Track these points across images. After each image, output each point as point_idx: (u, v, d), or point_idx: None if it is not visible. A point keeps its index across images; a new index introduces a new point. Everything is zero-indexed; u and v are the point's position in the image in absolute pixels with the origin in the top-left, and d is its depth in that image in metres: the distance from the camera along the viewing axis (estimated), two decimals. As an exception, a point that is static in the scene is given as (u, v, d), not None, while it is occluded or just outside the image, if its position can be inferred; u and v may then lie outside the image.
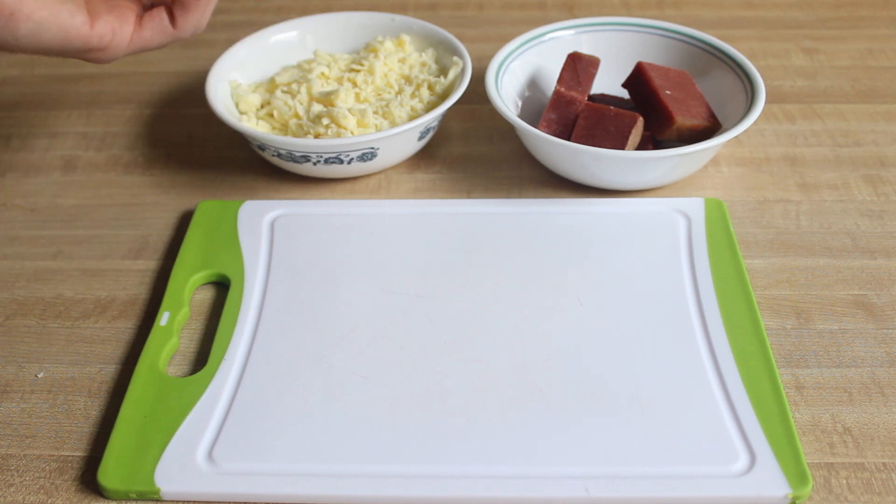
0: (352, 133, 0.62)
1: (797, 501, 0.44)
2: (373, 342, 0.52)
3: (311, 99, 0.65)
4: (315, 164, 0.62)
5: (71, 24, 0.48)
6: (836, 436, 0.48)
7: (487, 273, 0.56)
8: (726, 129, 0.61)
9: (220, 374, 0.51)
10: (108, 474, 0.46)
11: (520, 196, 0.64)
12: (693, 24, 0.78)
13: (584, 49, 0.70)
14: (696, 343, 0.51)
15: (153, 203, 0.64)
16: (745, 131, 0.65)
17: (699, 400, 0.48)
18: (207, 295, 0.57)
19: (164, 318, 0.54)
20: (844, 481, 0.46)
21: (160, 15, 0.53)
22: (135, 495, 0.45)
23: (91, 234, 0.62)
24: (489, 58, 0.67)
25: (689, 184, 0.64)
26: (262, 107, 0.67)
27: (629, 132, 0.60)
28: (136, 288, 0.58)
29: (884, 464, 0.46)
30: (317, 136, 0.62)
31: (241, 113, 0.66)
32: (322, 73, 0.67)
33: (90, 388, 0.52)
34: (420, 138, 0.64)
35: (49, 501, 0.46)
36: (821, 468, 0.46)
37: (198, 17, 0.53)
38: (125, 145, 0.70)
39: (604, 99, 0.67)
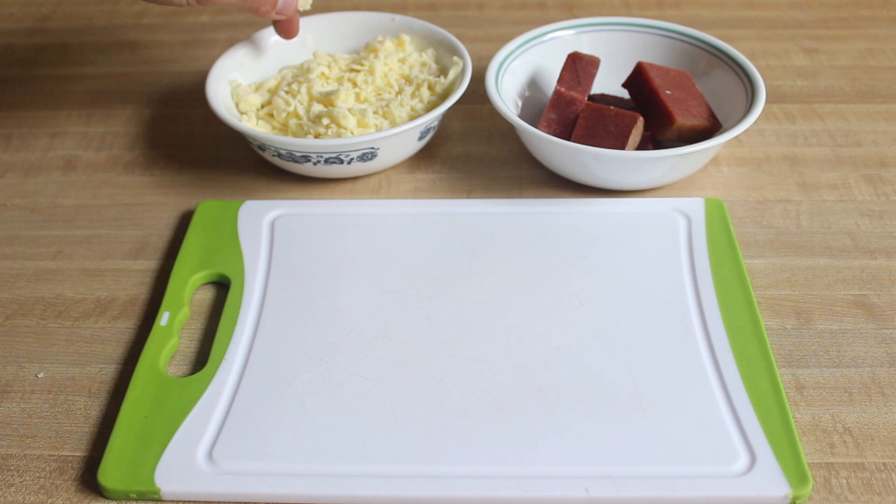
0: (352, 133, 0.62)
1: (797, 501, 0.44)
2: (373, 342, 0.52)
3: (311, 99, 0.65)
4: (315, 164, 0.62)
5: None
6: (836, 436, 0.48)
7: (487, 273, 0.56)
8: (726, 129, 0.61)
9: (220, 374, 0.51)
10: (108, 474, 0.46)
11: (520, 196, 0.64)
12: (693, 24, 0.78)
13: (584, 49, 0.70)
14: (696, 343, 0.51)
15: (153, 203, 0.64)
16: (745, 131, 0.65)
17: (699, 400, 0.48)
18: (207, 295, 0.57)
19: (164, 318, 0.54)
20: (844, 481, 0.46)
21: None
22: (135, 495, 0.45)
23: (91, 234, 0.62)
24: (489, 58, 0.67)
25: (689, 184, 0.64)
26: (262, 107, 0.67)
27: (629, 132, 0.60)
28: (136, 288, 0.58)
29: (884, 464, 0.46)
30: (317, 136, 0.62)
31: (241, 113, 0.66)
32: (322, 73, 0.67)
33: (90, 388, 0.52)
34: (420, 138, 0.64)
35: (49, 501, 0.46)
36: (821, 468, 0.46)
37: None
38: (125, 145, 0.70)
39: (604, 99, 0.67)
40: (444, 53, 0.69)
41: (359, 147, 0.61)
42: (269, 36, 0.71)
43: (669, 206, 0.61)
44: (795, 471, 0.45)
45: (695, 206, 0.60)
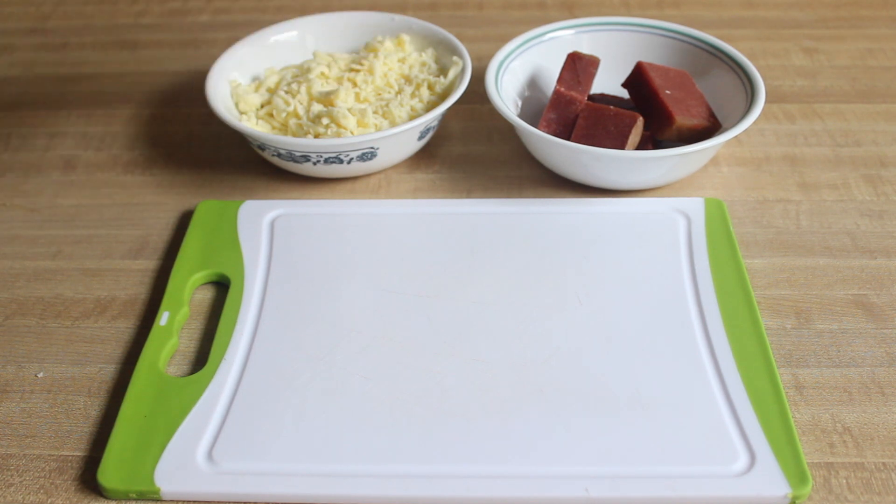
0: (352, 133, 0.62)
1: (797, 501, 0.44)
2: (373, 342, 0.52)
3: (311, 99, 0.65)
4: (315, 164, 0.62)
5: None
6: (836, 435, 0.48)
7: (487, 273, 0.56)
8: (726, 129, 0.61)
9: (220, 374, 0.51)
10: (108, 474, 0.46)
11: (520, 196, 0.64)
12: (693, 24, 0.78)
13: (584, 49, 0.70)
14: (696, 343, 0.51)
15: (153, 203, 0.64)
16: (745, 131, 0.65)
17: (699, 400, 0.48)
18: (207, 295, 0.57)
19: (163, 318, 0.54)
20: (844, 481, 0.46)
21: None
22: (135, 495, 0.45)
23: (91, 233, 0.62)
24: (489, 58, 0.67)
25: (689, 184, 0.64)
26: (262, 106, 0.67)
27: (629, 132, 0.60)
28: (136, 288, 0.58)
29: (884, 463, 0.46)
30: (317, 136, 0.62)
31: (241, 113, 0.66)
32: (322, 73, 0.67)
33: (90, 388, 0.52)
34: (420, 138, 0.64)
35: (49, 501, 0.46)
36: (821, 468, 0.46)
37: None
38: (125, 145, 0.70)
39: (604, 99, 0.67)
40: (444, 53, 0.69)
41: (358, 147, 0.61)
42: (269, 36, 0.71)
43: (669, 206, 0.61)
44: (795, 470, 0.45)
45: (695, 206, 0.60)
